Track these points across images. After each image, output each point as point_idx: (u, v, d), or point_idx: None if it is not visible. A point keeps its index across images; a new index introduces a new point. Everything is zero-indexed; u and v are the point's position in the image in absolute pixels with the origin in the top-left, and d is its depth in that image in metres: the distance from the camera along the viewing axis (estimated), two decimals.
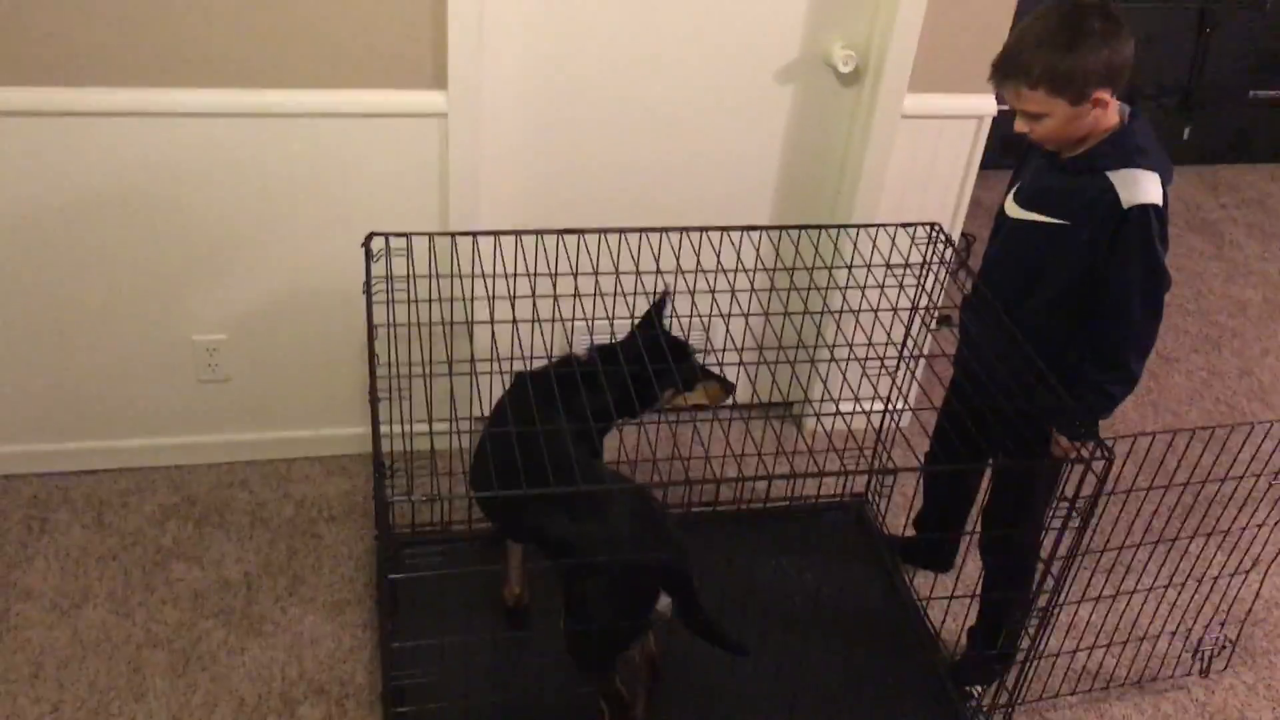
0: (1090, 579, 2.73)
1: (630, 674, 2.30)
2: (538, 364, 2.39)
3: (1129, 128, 2.14)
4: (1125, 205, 2.09)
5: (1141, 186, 2.09)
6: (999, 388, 2.19)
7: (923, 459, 2.64)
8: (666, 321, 2.44)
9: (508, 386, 2.34)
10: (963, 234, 2.57)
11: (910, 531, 2.89)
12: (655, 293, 2.39)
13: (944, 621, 2.69)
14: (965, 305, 2.43)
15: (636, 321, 2.43)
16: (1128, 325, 2.16)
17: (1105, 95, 2.08)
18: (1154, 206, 2.09)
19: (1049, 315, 2.24)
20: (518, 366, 2.36)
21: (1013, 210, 2.30)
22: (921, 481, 2.86)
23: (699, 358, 2.46)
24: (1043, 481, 2.36)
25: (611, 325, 2.37)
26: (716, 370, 2.47)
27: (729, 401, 2.50)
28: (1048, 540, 2.18)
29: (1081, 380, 2.21)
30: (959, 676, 2.58)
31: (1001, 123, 2.95)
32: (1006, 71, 2.11)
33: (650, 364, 2.22)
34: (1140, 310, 2.14)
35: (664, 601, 2.11)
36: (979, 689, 2.55)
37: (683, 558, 2.11)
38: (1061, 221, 2.18)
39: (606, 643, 2.15)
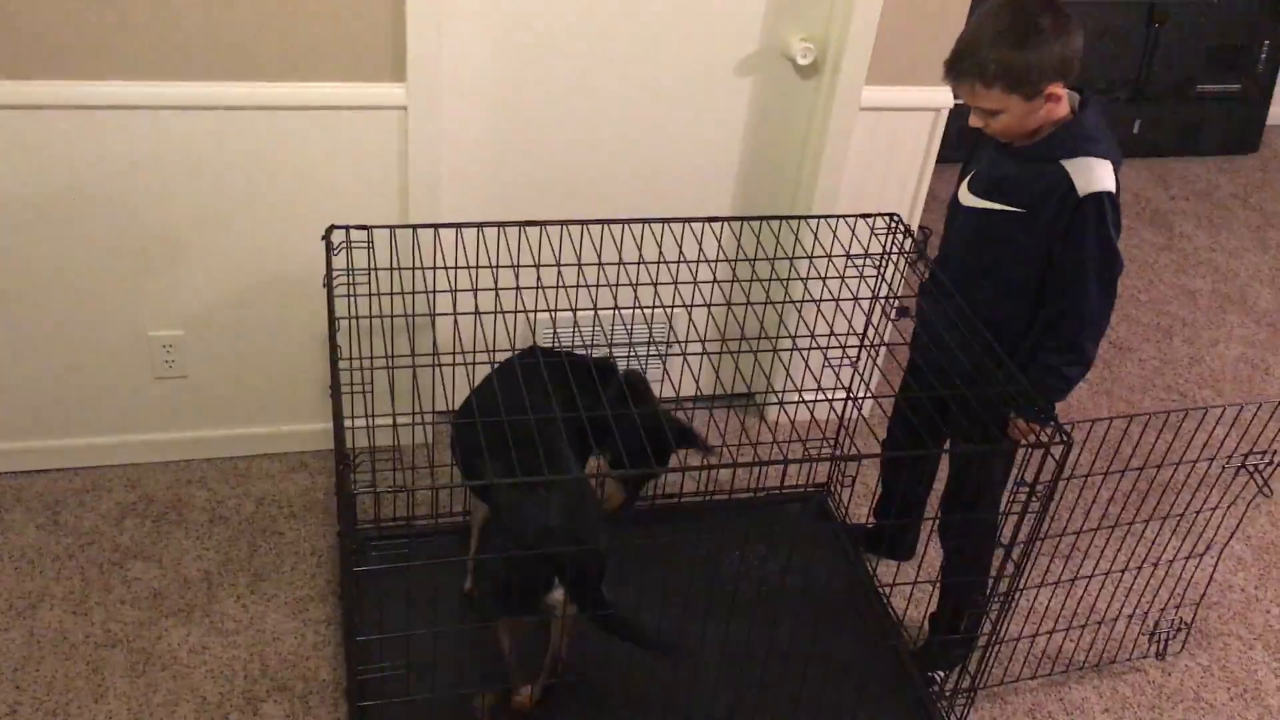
0: (1049, 564, 2.78)
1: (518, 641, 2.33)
2: (500, 357, 2.38)
3: (1080, 117, 2.18)
4: (1080, 193, 2.13)
5: (1095, 174, 2.13)
6: (957, 372, 2.22)
7: (882, 446, 2.66)
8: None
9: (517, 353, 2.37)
10: (920, 227, 2.60)
11: (872, 521, 2.91)
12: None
13: (907, 608, 2.72)
14: (922, 291, 2.46)
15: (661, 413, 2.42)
16: (1083, 308, 2.20)
17: (1057, 89, 2.12)
18: (1107, 194, 2.13)
19: (1006, 300, 2.28)
20: (481, 359, 2.35)
21: (967, 199, 2.33)
22: (879, 469, 2.88)
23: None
24: (1001, 465, 2.39)
25: (574, 316, 2.37)
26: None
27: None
28: (1007, 525, 2.21)
29: (1037, 363, 2.25)
30: (922, 662, 2.60)
31: (955, 118, 2.98)
32: (961, 70, 2.14)
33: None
34: (1095, 294, 2.18)
35: (556, 595, 2.12)
36: (942, 674, 2.58)
37: (591, 555, 2.10)
38: (1017, 209, 2.21)
39: (498, 598, 2.19)
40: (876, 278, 2.57)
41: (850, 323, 2.52)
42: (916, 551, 2.88)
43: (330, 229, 2.30)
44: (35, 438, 2.84)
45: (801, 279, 2.45)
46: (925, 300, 2.44)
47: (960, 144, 4.49)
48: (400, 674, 2.09)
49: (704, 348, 2.44)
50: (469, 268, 2.30)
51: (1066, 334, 2.23)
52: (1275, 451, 2.46)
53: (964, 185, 2.35)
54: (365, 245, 2.31)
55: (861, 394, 2.70)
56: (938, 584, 2.66)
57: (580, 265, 2.36)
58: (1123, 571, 2.71)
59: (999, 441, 2.29)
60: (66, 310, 2.69)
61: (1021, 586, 2.30)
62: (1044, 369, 2.25)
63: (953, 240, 2.40)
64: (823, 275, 2.44)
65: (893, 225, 2.55)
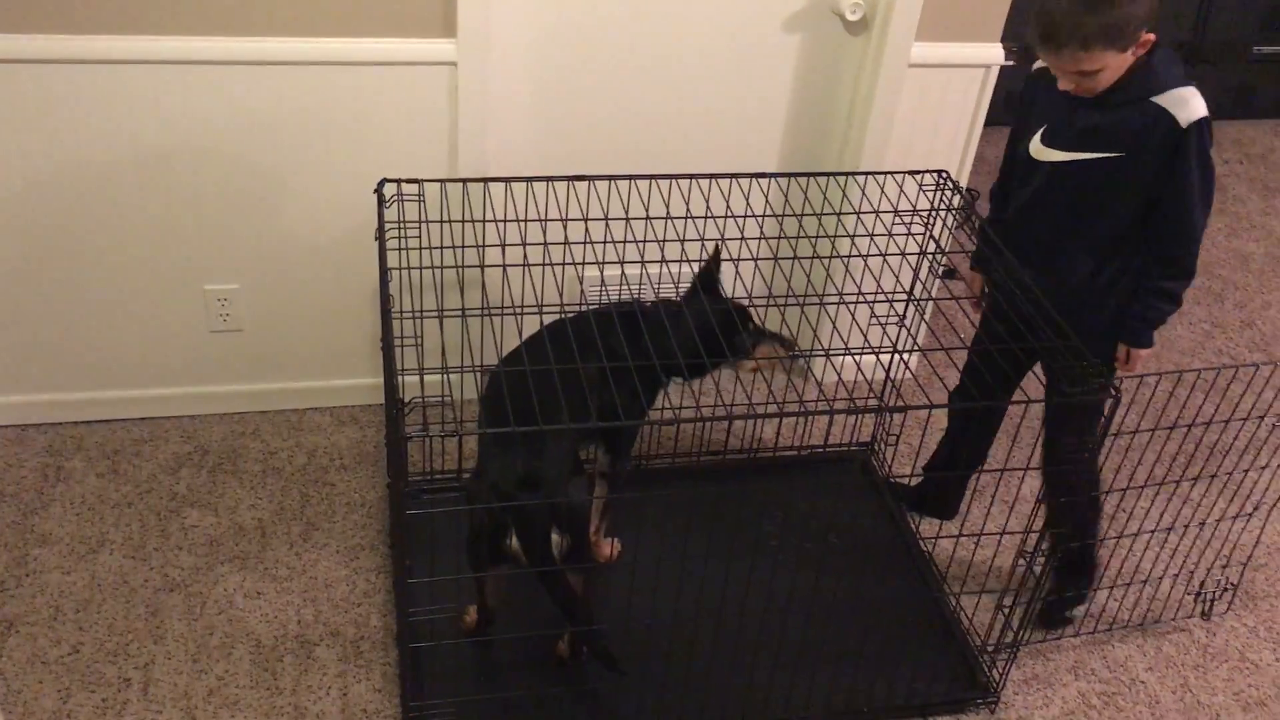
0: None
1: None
2: (549, 310, 2.40)
3: (1160, 54, 2.19)
4: (1183, 124, 2.16)
5: (1191, 104, 2.17)
6: (1044, 321, 2.24)
7: (950, 398, 2.67)
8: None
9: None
10: (968, 189, 2.59)
11: (917, 478, 2.92)
12: (700, 257, 2.43)
13: (949, 565, 2.73)
14: (989, 246, 2.46)
15: (694, 279, 2.47)
16: (1190, 228, 2.25)
17: (1148, 34, 2.14)
18: (1205, 118, 2.17)
19: (1111, 246, 2.32)
20: (530, 312, 2.38)
21: (1047, 154, 2.32)
22: (947, 423, 2.87)
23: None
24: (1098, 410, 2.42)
25: (622, 270, 2.39)
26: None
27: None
28: (1054, 480, 2.21)
29: (1145, 289, 2.31)
30: (1055, 610, 2.65)
31: (1004, 79, 2.96)
32: (1060, 41, 2.12)
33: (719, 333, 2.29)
34: (1199, 212, 2.24)
35: (515, 543, 2.17)
36: (1078, 610, 2.67)
37: (538, 508, 2.14)
38: (1115, 155, 2.24)
39: (470, 540, 2.25)
40: (924, 234, 2.57)
41: (898, 279, 2.52)
42: (959, 511, 2.89)
43: (382, 182, 2.33)
44: (95, 389, 2.91)
45: (849, 235, 2.46)
46: (997, 256, 2.45)
47: (1008, 108, 4.45)
48: (450, 617, 2.13)
49: (750, 303, 2.45)
50: (518, 221, 2.32)
51: (1172, 254, 2.29)
52: None
53: (1036, 140, 2.34)
54: (416, 199, 2.34)
55: (908, 347, 2.69)
56: (980, 536, 2.66)
57: (628, 220, 2.38)
58: (1168, 531, 2.70)
59: (1106, 377, 2.32)
60: (124, 264, 2.75)
61: (1068, 545, 2.31)
62: (1154, 292, 2.32)
63: (1035, 196, 2.39)
64: (870, 232, 2.44)
65: (941, 182, 2.54)
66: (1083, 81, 2.18)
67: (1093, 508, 2.55)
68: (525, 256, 2.28)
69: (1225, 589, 2.79)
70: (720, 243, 2.41)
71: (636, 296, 2.41)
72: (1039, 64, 2.33)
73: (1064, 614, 2.67)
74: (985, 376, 2.43)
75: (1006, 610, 2.39)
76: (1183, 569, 2.76)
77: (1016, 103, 2.45)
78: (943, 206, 2.54)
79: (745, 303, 2.45)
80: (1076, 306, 2.33)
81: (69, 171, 2.59)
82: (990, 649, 2.48)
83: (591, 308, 2.42)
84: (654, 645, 2.33)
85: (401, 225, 2.29)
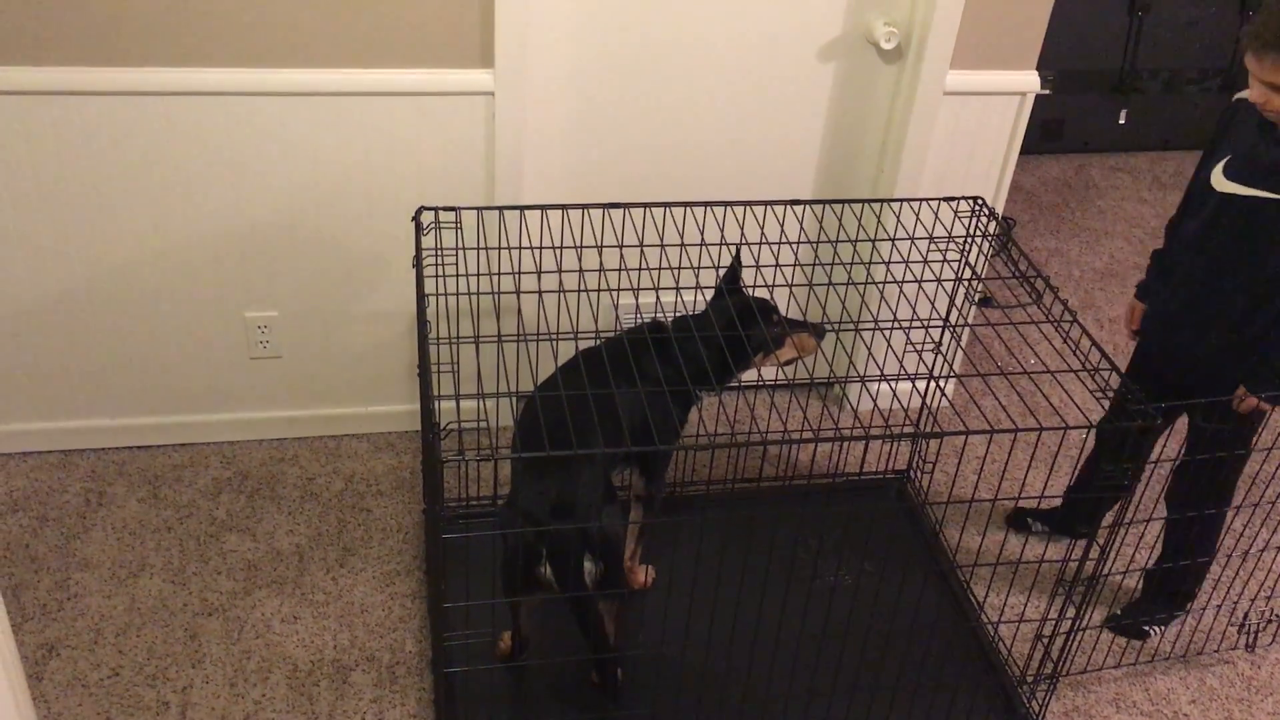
0: (1134, 552, 2.74)
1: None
2: (584, 336, 2.42)
3: None
4: None
5: None
6: (1198, 356, 2.30)
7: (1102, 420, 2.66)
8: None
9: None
10: (1005, 217, 2.59)
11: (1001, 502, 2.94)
12: (726, 258, 2.45)
13: (986, 595, 2.71)
14: (1156, 275, 2.51)
15: (718, 283, 2.49)
16: None
17: None
18: None
19: (1267, 293, 2.28)
20: (565, 338, 2.39)
21: (1224, 186, 2.29)
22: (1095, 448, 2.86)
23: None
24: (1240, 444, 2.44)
25: (657, 297, 2.40)
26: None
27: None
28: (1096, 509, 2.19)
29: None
30: (1135, 615, 2.68)
31: (1039, 107, 2.95)
32: (1265, 41, 2.09)
33: (739, 327, 2.30)
34: None
35: (547, 571, 2.16)
36: (1157, 629, 2.68)
37: (570, 535, 2.13)
38: None
39: (504, 566, 2.23)
40: (960, 261, 2.56)
41: (934, 305, 2.52)
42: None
43: (420, 210, 2.36)
44: (136, 415, 2.95)
45: (884, 262, 2.46)
46: (1159, 284, 2.48)
47: (1045, 135, 4.45)
48: (485, 641, 2.13)
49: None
50: (554, 248, 2.34)
51: None
52: None
53: (1218, 171, 2.31)
54: (453, 226, 2.36)
55: (945, 373, 2.68)
56: (1021, 564, 2.64)
57: (663, 247, 2.39)
58: (1210, 561, 2.66)
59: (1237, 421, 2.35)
60: (165, 291, 2.79)
61: (1106, 573, 2.28)
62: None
63: (1202, 227, 2.36)
64: (905, 259, 2.44)
65: (976, 209, 2.53)
66: (1271, 97, 2.13)
67: (1199, 536, 2.56)
68: (560, 283, 2.30)
69: (1270, 620, 2.74)
70: (741, 245, 2.42)
71: (662, 316, 2.43)
72: (1240, 94, 2.31)
73: (1141, 627, 2.67)
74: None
75: (1046, 640, 2.37)
76: (1225, 600, 2.72)
77: (1211, 132, 2.42)
78: (978, 233, 2.53)
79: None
80: (1221, 351, 2.33)
81: (108, 200, 2.64)
82: (1030, 680, 2.45)
83: (624, 330, 2.43)
84: (688, 672, 2.32)
85: (439, 252, 2.32)
